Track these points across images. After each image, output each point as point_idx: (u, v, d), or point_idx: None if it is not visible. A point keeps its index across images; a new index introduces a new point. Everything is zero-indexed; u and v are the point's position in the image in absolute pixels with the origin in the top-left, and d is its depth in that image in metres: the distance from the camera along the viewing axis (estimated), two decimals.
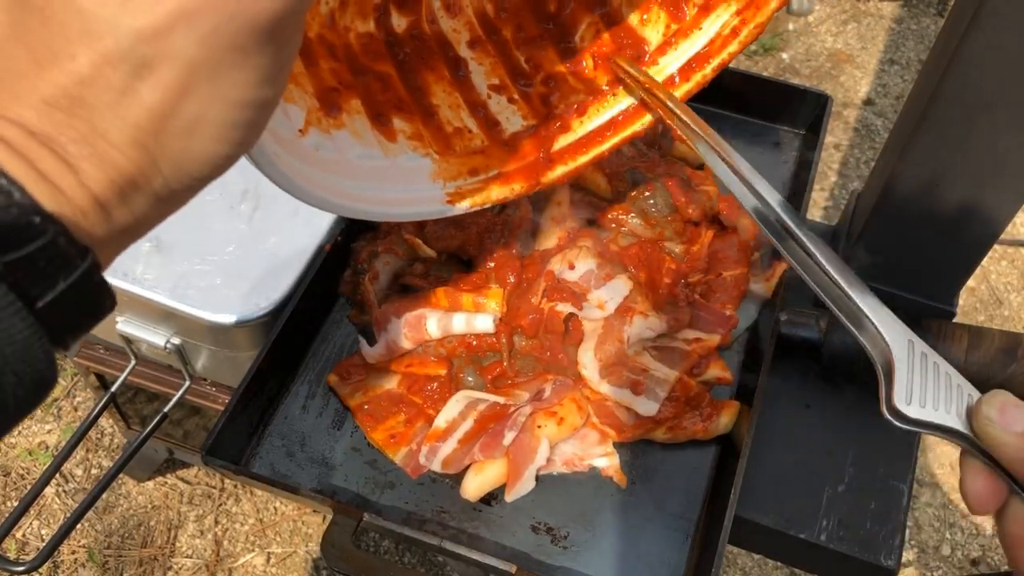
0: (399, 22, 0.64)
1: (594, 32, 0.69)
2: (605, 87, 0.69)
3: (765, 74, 1.02)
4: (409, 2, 0.63)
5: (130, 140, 0.31)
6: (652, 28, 0.69)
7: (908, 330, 0.49)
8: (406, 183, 0.64)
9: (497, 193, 0.68)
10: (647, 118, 0.68)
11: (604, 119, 0.69)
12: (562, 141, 0.69)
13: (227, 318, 0.82)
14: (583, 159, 0.69)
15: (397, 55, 0.64)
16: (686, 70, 0.68)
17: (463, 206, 0.67)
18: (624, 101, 0.69)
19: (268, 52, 0.32)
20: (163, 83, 0.31)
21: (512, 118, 0.69)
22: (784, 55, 2.34)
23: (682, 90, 0.68)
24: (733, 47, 0.66)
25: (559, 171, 0.69)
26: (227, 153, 0.34)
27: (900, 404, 0.47)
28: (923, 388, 0.47)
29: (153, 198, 0.33)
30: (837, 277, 0.51)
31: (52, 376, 0.30)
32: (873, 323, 0.49)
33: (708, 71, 0.67)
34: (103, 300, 0.32)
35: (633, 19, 0.69)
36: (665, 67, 0.68)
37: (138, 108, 0.31)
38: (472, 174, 0.67)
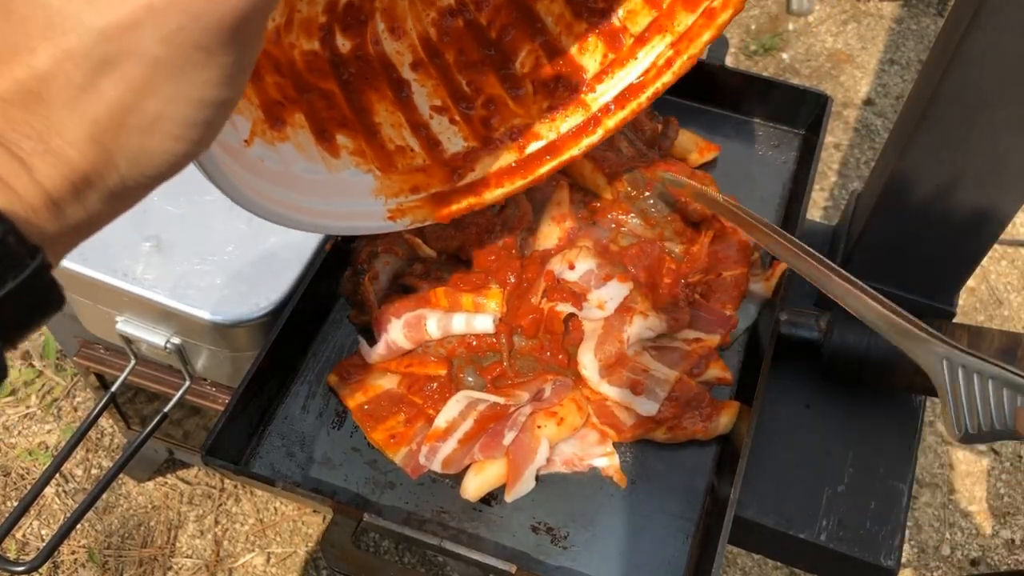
0: (343, 43, 0.65)
1: (534, 59, 0.71)
2: (544, 113, 0.71)
3: (765, 74, 1.02)
4: (354, 25, 0.65)
5: (87, 137, 0.31)
6: (590, 57, 0.71)
7: (943, 347, 0.49)
8: (348, 198, 0.66)
9: (437, 210, 0.70)
10: (584, 142, 0.71)
11: (542, 143, 0.72)
12: (502, 162, 0.71)
13: (227, 318, 0.82)
14: (521, 182, 0.72)
15: (341, 74, 0.65)
16: (621, 99, 0.71)
17: (404, 222, 0.69)
18: (563, 125, 0.71)
19: (231, 52, 0.32)
20: (126, 80, 0.30)
21: (453, 139, 0.70)
22: (784, 55, 2.34)
23: (617, 118, 0.71)
24: (667, 77, 0.69)
25: (498, 192, 0.71)
26: (185, 151, 0.34)
27: (953, 435, 0.48)
28: (970, 409, 0.47)
29: (108, 195, 0.33)
30: (882, 309, 0.53)
31: (1, 371, 0.30)
32: (907, 354, 0.50)
33: (643, 99, 0.70)
34: (52, 299, 0.32)
35: (571, 47, 0.71)
36: (602, 95, 0.71)
37: (98, 104, 0.30)
38: (413, 191, 0.69)
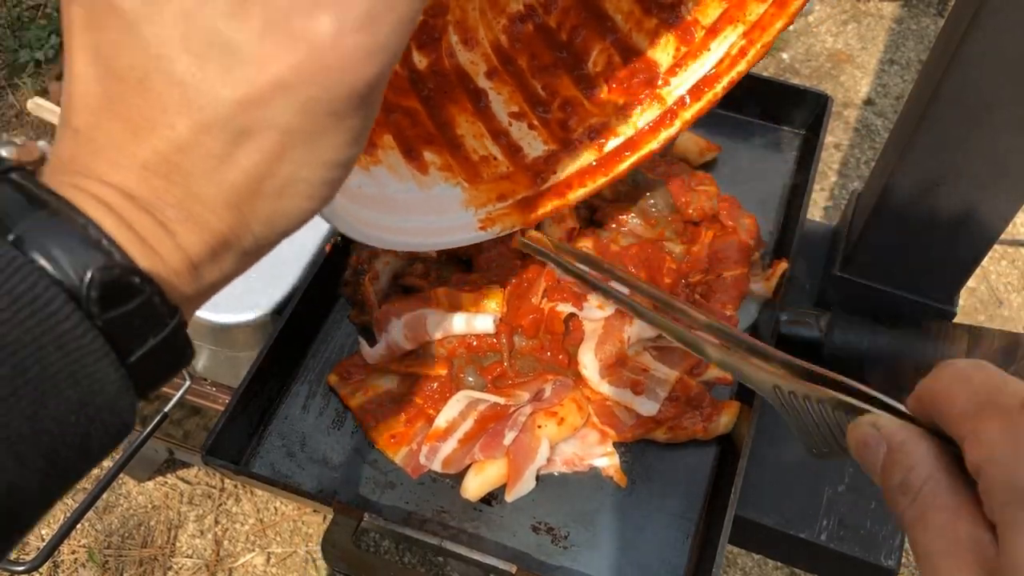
0: (420, 59, 0.67)
1: (606, 58, 0.71)
2: (620, 110, 0.71)
3: (765, 74, 1.02)
4: (428, 42, 0.66)
5: (225, 203, 0.32)
6: (662, 51, 0.71)
7: (771, 374, 0.49)
8: (441, 213, 0.67)
9: (525, 216, 0.71)
10: (663, 135, 0.71)
11: (621, 140, 0.72)
12: (582, 162, 0.72)
13: (227, 318, 0.82)
14: (603, 179, 0.72)
15: (421, 91, 0.67)
16: (696, 91, 0.70)
17: (495, 230, 0.70)
18: (640, 120, 0.71)
19: (360, 115, 0.33)
20: (261, 149, 0.31)
21: (533, 143, 0.71)
22: (784, 55, 2.34)
23: (693, 109, 0.71)
24: (741, 66, 0.69)
25: (580, 192, 0.72)
26: (314, 208, 0.35)
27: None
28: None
29: (241, 255, 0.35)
30: (716, 340, 0.54)
31: (132, 424, 0.32)
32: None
33: (719, 89, 0.70)
34: (186, 354, 0.34)
35: (643, 44, 0.71)
36: (676, 87, 0.71)
37: (235, 173, 0.32)
38: (500, 199, 0.70)
